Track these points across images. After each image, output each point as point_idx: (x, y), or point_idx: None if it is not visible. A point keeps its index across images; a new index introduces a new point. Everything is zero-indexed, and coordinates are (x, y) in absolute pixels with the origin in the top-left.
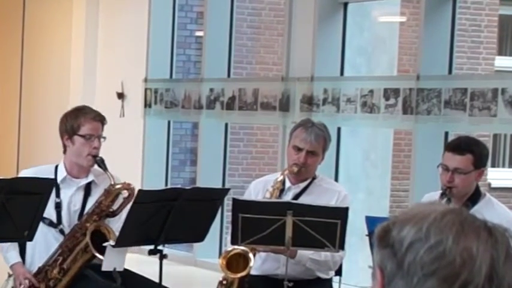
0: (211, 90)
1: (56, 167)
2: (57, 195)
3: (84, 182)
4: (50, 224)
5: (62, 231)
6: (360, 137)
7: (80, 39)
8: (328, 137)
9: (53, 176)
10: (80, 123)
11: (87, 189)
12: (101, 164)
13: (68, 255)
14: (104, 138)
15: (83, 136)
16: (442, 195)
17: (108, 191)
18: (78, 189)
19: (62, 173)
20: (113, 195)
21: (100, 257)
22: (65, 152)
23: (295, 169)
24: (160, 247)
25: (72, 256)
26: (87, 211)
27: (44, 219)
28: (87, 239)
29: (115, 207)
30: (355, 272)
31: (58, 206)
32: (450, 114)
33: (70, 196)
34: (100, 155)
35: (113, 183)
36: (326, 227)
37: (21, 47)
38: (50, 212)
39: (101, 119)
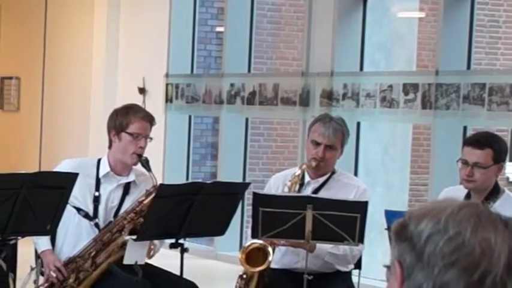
0: (232, 85)
1: (99, 161)
2: (97, 189)
3: (125, 180)
4: (86, 216)
5: (96, 225)
6: (379, 132)
7: (101, 35)
8: (346, 131)
9: (95, 169)
10: (129, 121)
11: (127, 188)
12: (145, 164)
13: (101, 249)
14: (151, 139)
15: (130, 134)
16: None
17: (150, 193)
18: (118, 186)
19: (105, 168)
20: (148, 208)
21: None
22: (110, 147)
23: (314, 163)
24: (181, 241)
25: (107, 251)
26: (126, 208)
27: (79, 210)
28: (126, 236)
29: None
30: (374, 266)
31: (96, 200)
32: (469, 109)
33: (109, 192)
34: None
35: (155, 184)
36: (346, 221)
37: (44, 43)
38: (87, 205)
39: (150, 120)
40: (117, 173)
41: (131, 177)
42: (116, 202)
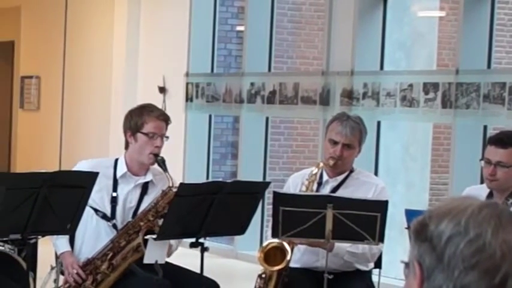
0: (252, 84)
1: (116, 161)
2: (114, 189)
3: (142, 180)
4: (104, 217)
5: (114, 226)
6: (399, 131)
7: (122, 33)
8: (364, 129)
9: (112, 170)
10: (144, 121)
11: (145, 187)
12: (162, 164)
13: (118, 251)
14: (167, 137)
15: (146, 134)
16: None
17: (165, 193)
18: (135, 186)
19: (122, 169)
20: (170, 197)
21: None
22: (126, 148)
23: (331, 162)
24: (201, 240)
25: (123, 253)
26: (142, 210)
27: (97, 211)
28: (140, 239)
29: None
30: (394, 265)
31: (114, 201)
32: (489, 108)
33: (127, 192)
34: None
35: (171, 185)
36: (366, 220)
37: (64, 42)
38: (105, 206)
39: (165, 119)
40: (134, 173)
41: (148, 177)
42: (134, 202)
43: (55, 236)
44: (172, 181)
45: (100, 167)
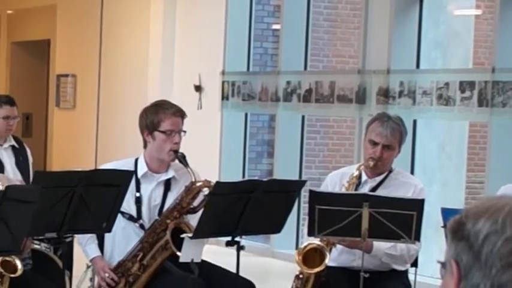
0: (288, 82)
1: (136, 161)
2: (138, 189)
3: (164, 177)
4: (130, 218)
5: (142, 226)
6: (435, 130)
7: (157, 33)
8: (404, 130)
9: (133, 169)
10: (160, 119)
11: (167, 184)
12: (182, 159)
13: (148, 251)
14: (185, 132)
15: (163, 132)
16: None
17: (189, 189)
18: (158, 184)
19: (142, 168)
20: (194, 193)
21: (180, 254)
22: (145, 146)
23: (371, 163)
24: (237, 238)
25: (152, 252)
26: (167, 207)
27: (123, 213)
28: (168, 236)
29: (195, 203)
30: (430, 264)
31: (138, 201)
32: None
33: (150, 191)
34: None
35: (193, 180)
36: (402, 218)
37: (100, 41)
38: (130, 207)
39: (181, 114)
40: (155, 171)
41: (170, 174)
42: (159, 200)
43: (84, 243)
44: (194, 176)
45: (121, 168)
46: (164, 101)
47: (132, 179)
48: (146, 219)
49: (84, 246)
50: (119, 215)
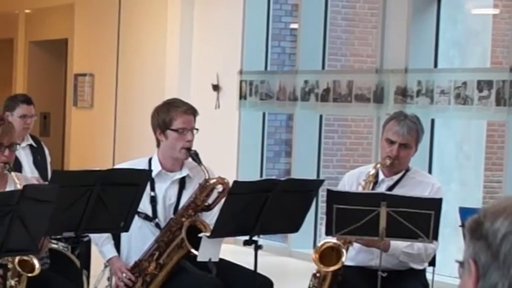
0: (306, 82)
1: (150, 161)
2: (152, 189)
3: (178, 176)
4: (146, 217)
5: (157, 225)
6: (453, 129)
7: (175, 32)
8: (421, 129)
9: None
10: (171, 117)
11: (182, 182)
12: (195, 157)
13: (164, 250)
14: (197, 130)
15: (175, 130)
16: None
17: (202, 186)
18: (172, 182)
19: (156, 167)
20: (208, 190)
21: (195, 252)
22: (158, 145)
23: (388, 162)
24: (255, 238)
25: (168, 251)
26: (182, 205)
27: (139, 213)
28: (183, 234)
29: (210, 201)
30: (448, 263)
31: (153, 200)
32: None
33: (165, 190)
34: (196, 146)
35: (207, 177)
36: (420, 218)
37: (117, 40)
38: (145, 206)
39: (192, 112)
40: (169, 169)
41: (184, 172)
42: (174, 199)
43: (100, 243)
44: (208, 173)
45: (135, 167)
46: (175, 99)
47: (149, 178)
48: (162, 218)
49: (100, 247)
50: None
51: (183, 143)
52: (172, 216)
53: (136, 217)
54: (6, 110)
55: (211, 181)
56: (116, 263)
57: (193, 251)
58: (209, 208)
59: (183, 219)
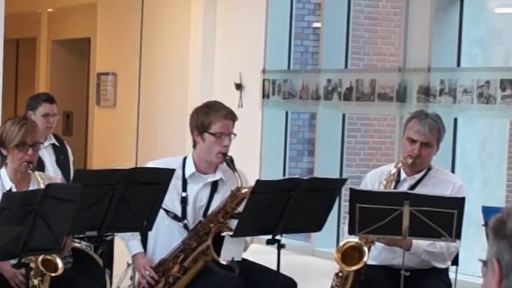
0: (329, 81)
1: (184, 160)
2: (184, 189)
3: (211, 179)
4: (175, 217)
5: (185, 226)
6: (476, 128)
7: (198, 30)
8: (442, 128)
9: (180, 170)
10: (210, 120)
11: (214, 185)
12: (230, 163)
13: (189, 253)
14: (235, 135)
15: (213, 134)
16: None
17: (234, 194)
18: (205, 185)
19: (190, 168)
20: (239, 199)
21: (221, 260)
22: (194, 146)
23: (410, 161)
24: (278, 237)
25: (193, 256)
26: (212, 211)
27: (168, 212)
28: (209, 242)
29: (240, 209)
30: (471, 262)
31: (184, 201)
32: None
33: (197, 191)
34: None
35: (239, 185)
36: (442, 217)
37: (140, 39)
38: (175, 206)
39: (232, 117)
40: (203, 171)
41: (218, 175)
42: (204, 201)
43: (127, 238)
44: (241, 181)
45: (169, 166)
46: (216, 103)
47: (172, 177)
48: (190, 220)
49: (127, 242)
50: (164, 213)
51: (220, 147)
52: (201, 218)
53: (165, 215)
54: (29, 109)
55: (243, 190)
56: (140, 260)
57: (219, 259)
58: (239, 216)
59: (212, 224)
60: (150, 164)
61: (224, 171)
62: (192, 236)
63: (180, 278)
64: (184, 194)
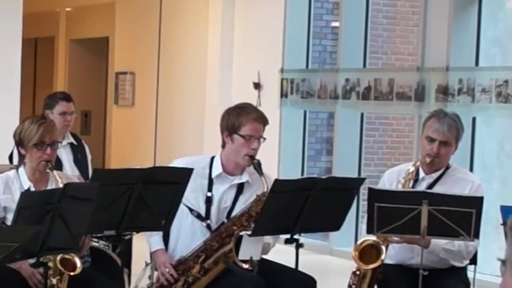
0: (347, 80)
1: (212, 161)
2: (210, 189)
3: (238, 181)
4: (198, 216)
5: (208, 226)
6: (494, 127)
7: (216, 29)
8: (461, 127)
9: (207, 170)
10: (241, 122)
11: (240, 187)
12: (257, 167)
13: (210, 254)
14: (264, 139)
15: (243, 136)
16: None
17: (259, 199)
18: (231, 186)
19: (217, 169)
20: (263, 204)
21: (242, 265)
22: (223, 147)
23: (428, 160)
24: (296, 236)
25: (214, 257)
26: (236, 213)
27: (192, 210)
28: (232, 245)
29: None
30: (490, 261)
31: (208, 201)
32: None
33: (222, 192)
34: None
35: (265, 190)
36: (461, 216)
37: (159, 38)
38: (199, 205)
39: (263, 121)
40: (230, 173)
41: (244, 178)
42: (229, 202)
43: (149, 233)
44: (267, 185)
45: (195, 165)
46: (248, 105)
47: (191, 177)
48: (214, 220)
49: (148, 237)
50: (187, 211)
51: (248, 150)
52: (224, 220)
53: (188, 214)
54: (46, 108)
55: None
56: (161, 257)
57: (241, 264)
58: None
59: (235, 227)
60: (178, 162)
61: (251, 174)
62: (214, 237)
63: (200, 279)
64: (209, 194)
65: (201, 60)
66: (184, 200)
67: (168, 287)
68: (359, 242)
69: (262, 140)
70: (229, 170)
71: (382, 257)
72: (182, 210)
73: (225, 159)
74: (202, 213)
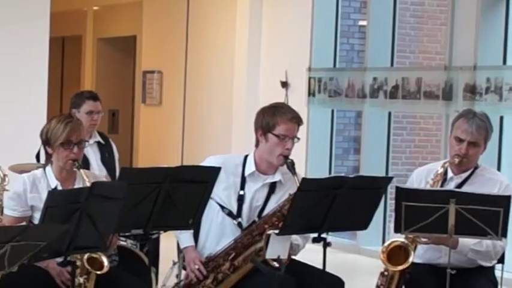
0: (375, 79)
1: (245, 159)
2: (242, 187)
3: (270, 180)
4: (229, 214)
5: (239, 224)
6: None
7: (244, 28)
8: (490, 127)
9: (241, 168)
10: (276, 122)
11: (272, 186)
12: (291, 167)
13: (241, 252)
14: (298, 139)
15: (277, 136)
16: None
17: (292, 198)
18: (263, 185)
19: (250, 167)
20: (291, 202)
21: (274, 263)
22: (257, 145)
23: (457, 160)
24: (324, 235)
25: (245, 255)
26: (267, 212)
27: (223, 208)
28: (263, 243)
29: None
30: None
31: (240, 199)
32: None
33: (254, 191)
34: None
35: None
36: (488, 215)
37: (186, 37)
38: (231, 203)
39: (297, 121)
40: (263, 172)
41: (277, 177)
42: (261, 201)
43: (178, 230)
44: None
45: (228, 163)
46: (283, 105)
47: (218, 176)
48: (245, 218)
49: (179, 234)
50: (219, 209)
51: (282, 149)
52: (255, 218)
53: (220, 211)
54: (73, 107)
55: None
56: (190, 253)
57: (271, 262)
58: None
59: (266, 226)
60: (211, 159)
61: (284, 173)
62: (245, 235)
63: (229, 276)
64: (242, 192)
65: (228, 59)
66: (216, 197)
67: (197, 284)
68: (387, 243)
69: (296, 140)
70: (262, 169)
71: (411, 258)
72: (213, 207)
73: (258, 158)
74: (234, 211)
